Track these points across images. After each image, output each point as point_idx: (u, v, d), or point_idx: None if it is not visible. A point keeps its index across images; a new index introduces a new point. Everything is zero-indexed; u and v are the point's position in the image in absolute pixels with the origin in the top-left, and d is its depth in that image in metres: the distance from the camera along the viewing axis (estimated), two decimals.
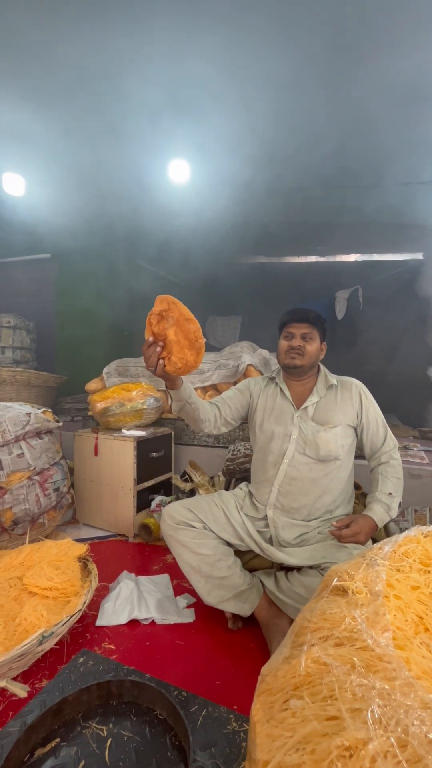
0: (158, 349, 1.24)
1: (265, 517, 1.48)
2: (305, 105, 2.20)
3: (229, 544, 1.47)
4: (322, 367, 1.56)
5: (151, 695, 0.92)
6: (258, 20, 1.67)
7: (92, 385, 2.74)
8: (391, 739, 0.24)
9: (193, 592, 1.59)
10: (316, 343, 1.47)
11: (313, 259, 5.22)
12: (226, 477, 2.32)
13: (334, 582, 0.47)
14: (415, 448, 2.64)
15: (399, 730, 0.25)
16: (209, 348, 4.95)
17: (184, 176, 2.35)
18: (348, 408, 1.46)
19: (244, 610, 1.36)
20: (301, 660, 0.35)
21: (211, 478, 2.48)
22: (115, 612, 1.44)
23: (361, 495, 1.98)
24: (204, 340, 1.24)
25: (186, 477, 2.50)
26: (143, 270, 4.61)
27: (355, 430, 1.48)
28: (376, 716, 0.27)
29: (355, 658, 0.34)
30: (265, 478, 1.52)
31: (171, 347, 1.21)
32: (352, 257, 5.17)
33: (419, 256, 4.66)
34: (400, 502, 1.43)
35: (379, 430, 1.48)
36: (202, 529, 1.43)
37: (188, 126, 2.22)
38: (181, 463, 2.62)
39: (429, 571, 0.53)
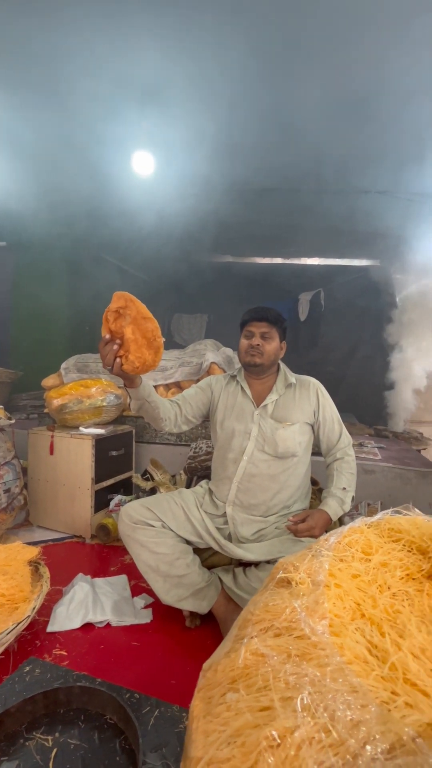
0: (115, 347, 1.20)
1: (225, 514, 1.49)
2: (269, 107, 2.23)
3: (188, 542, 1.46)
4: (282, 365, 1.59)
5: (101, 700, 0.89)
6: (220, 18, 1.67)
7: (49, 381, 2.62)
8: (317, 724, 0.25)
9: (151, 592, 1.56)
10: (276, 342, 1.50)
11: (278, 260, 5.33)
12: (187, 475, 2.31)
13: (279, 574, 0.48)
14: (369, 445, 2.76)
15: (326, 715, 0.26)
16: (174, 345, 4.90)
17: (149, 169, 2.31)
18: (306, 406, 1.49)
19: (202, 608, 1.35)
20: (241, 653, 0.35)
21: (173, 476, 2.46)
22: (68, 617, 1.38)
23: (318, 490, 2.04)
24: (163, 339, 1.22)
25: (147, 476, 2.46)
26: (107, 264, 4.48)
27: (312, 427, 1.52)
28: (305, 703, 0.27)
29: (291, 648, 0.34)
30: (225, 475, 1.52)
31: (128, 346, 1.18)
32: (315, 260, 5.33)
33: (377, 263, 4.89)
34: (353, 497, 1.49)
35: (334, 427, 1.52)
36: (160, 527, 1.41)
37: (153, 119, 2.18)
38: (143, 461, 2.57)
39: (369, 560, 0.54)
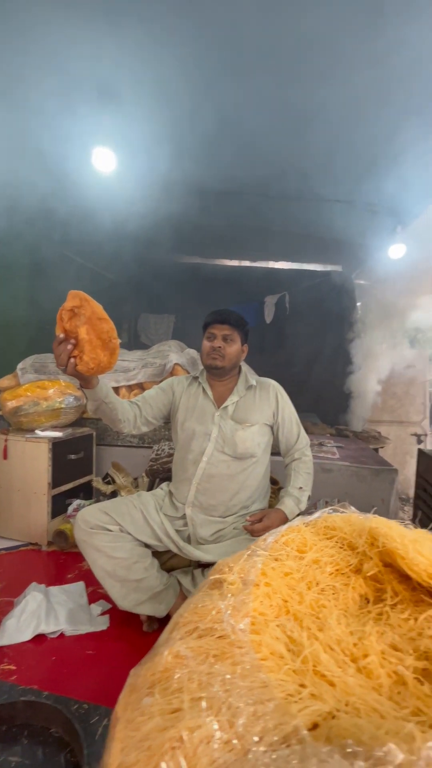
0: (69, 347, 1.17)
1: (184, 516, 1.49)
2: (230, 113, 2.26)
3: (147, 546, 1.45)
4: (243, 367, 1.61)
5: (46, 714, 0.86)
6: (180, 21, 1.67)
7: (4, 382, 2.51)
8: (219, 722, 0.26)
9: (108, 598, 1.53)
10: (237, 344, 1.51)
11: (245, 263, 5.39)
12: (149, 477, 2.28)
13: (213, 576, 0.49)
14: (329, 445, 2.86)
15: (228, 712, 0.27)
16: (140, 346, 4.83)
17: (110, 166, 2.26)
18: (265, 407, 1.52)
19: (160, 611, 1.35)
20: (163, 656, 0.36)
21: (135, 479, 2.42)
22: (18, 629, 1.33)
23: (278, 490, 2.09)
24: (119, 341, 1.20)
25: (108, 479, 2.41)
26: (72, 263, 4.35)
27: (272, 428, 1.55)
28: (211, 703, 0.28)
29: (210, 648, 0.35)
30: (185, 476, 1.52)
31: (83, 346, 1.15)
32: (281, 264, 5.44)
33: (339, 268, 5.08)
34: (309, 495, 1.54)
35: (293, 428, 1.56)
36: (118, 531, 1.39)
37: (114, 117, 2.14)
38: (104, 464, 2.52)
39: (303, 558, 0.56)
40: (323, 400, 5.00)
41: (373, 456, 2.60)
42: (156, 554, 1.50)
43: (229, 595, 0.43)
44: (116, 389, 2.65)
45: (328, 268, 5.28)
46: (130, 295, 5.23)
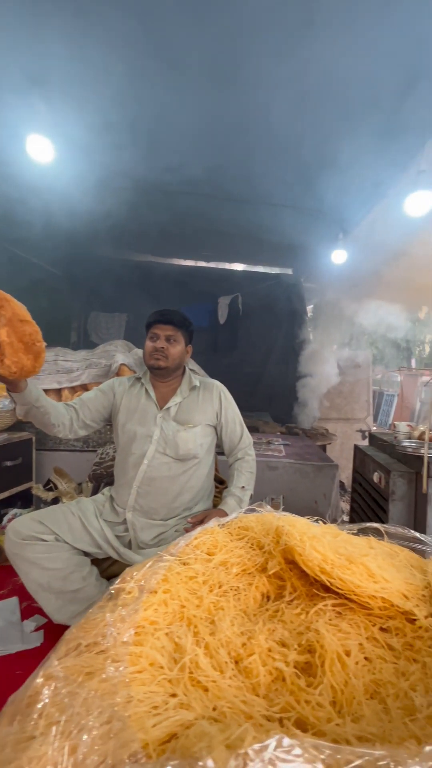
0: None
1: (125, 521, 1.45)
2: (173, 113, 2.25)
3: (86, 554, 1.39)
4: (190, 367, 1.60)
5: None
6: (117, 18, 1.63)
7: None
8: (70, 746, 0.24)
9: (43, 612, 1.45)
10: (181, 345, 1.49)
11: (198, 263, 5.39)
12: (93, 482, 2.20)
13: (113, 586, 0.47)
14: (276, 443, 2.94)
15: (79, 736, 0.25)
16: (91, 345, 4.66)
17: (47, 155, 2.15)
18: (208, 408, 1.51)
19: None
20: (36, 678, 0.34)
21: (79, 484, 2.33)
22: None
23: (225, 489, 2.11)
24: (44, 343, 1.14)
25: (50, 485, 2.30)
26: (18, 259, 4.08)
27: (215, 428, 1.55)
28: (66, 727, 0.26)
29: (85, 666, 0.33)
30: (125, 480, 1.48)
31: (3, 349, 1.08)
32: (234, 266, 5.51)
33: (289, 271, 5.24)
34: (252, 494, 1.56)
35: (236, 428, 1.57)
36: (53, 541, 1.32)
37: (50, 105, 2.05)
38: (45, 470, 2.39)
39: (211, 560, 0.56)
40: (275, 399, 5.13)
41: (317, 453, 2.71)
42: (96, 562, 1.45)
43: (120, 606, 0.42)
44: (59, 391, 2.53)
45: (280, 270, 5.43)
46: (79, 292, 5.03)
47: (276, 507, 2.50)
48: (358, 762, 0.20)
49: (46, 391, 2.53)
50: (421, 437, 1.59)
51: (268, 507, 0.71)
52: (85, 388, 2.54)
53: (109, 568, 1.49)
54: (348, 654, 0.41)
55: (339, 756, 0.20)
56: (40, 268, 4.33)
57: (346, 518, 2.71)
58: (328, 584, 0.49)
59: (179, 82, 2.06)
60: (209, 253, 5.18)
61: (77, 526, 1.39)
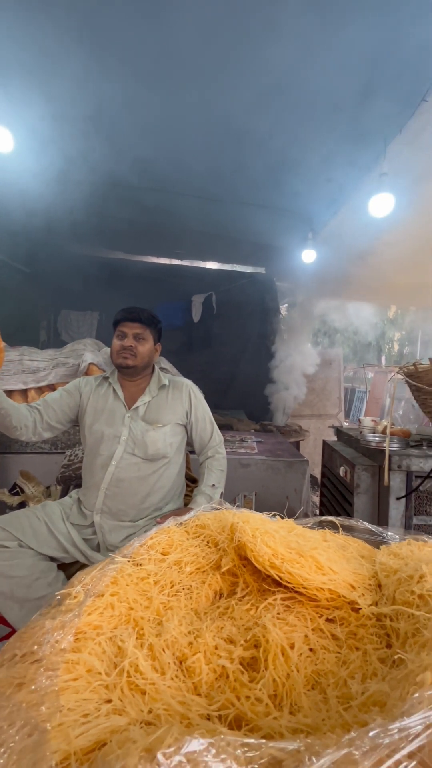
0: None
1: (93, 524, 1.42)
2: (144, 109, 2.22)
3: (52, 559, 1.35)
4: (157, 367, 1.57)
5: None
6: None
7: None
8: None
9: (7, 622, 1.40)
10: (149, 343, 1.46)
11: (172, 261, 5.35)
12: (61, 485, 2.14)
13: (60, 591, 0.46)
14: (250, 440, 2.96)
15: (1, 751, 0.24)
16: (60, 344, 4.53)
17: (7, 146, 2.07)
18: (178, 407, 1.49)
19: None
20: None
21: (48, 488, 2.26)
22: None
23: (196, 487, 2.11)
24: (3, 344, 1.11)
25: (16, 490, 2.22)
26: None
27: (186, 427, 1.54)
28: None
29: (17, 677, 0.32)
30: (93, 482, 1.45)
31: None
32: (208, 264, 5.50)
33: (262, 270, 5.28)
34: (222, 492, 1.56)
35: (206, 427, 1.56)
36: (17, 547, 1.27)
37: (11, 94, 1.97)
38: (11, 474, 2.30)
39: (165, 560, 0.56)
40: (250, 396, 5.17)
41: (289, 449, 2.75)
42: (63, 567, 1.41)
43: (64, 611, 0.41)
44: (25, 391, 2.45)
45: (253, 269, 5.47)
46: (49, 290, 4.88)
47: (249, 504, 2.52)
48: (272, 755, 0.20)
49: (11, 392, 2.44)
50: (384, 432, 1.64)
51: (227, 504, 0.71)
52: (52, 388, 2.47)
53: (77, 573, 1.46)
54: (292, 647, 0.41)
55: (254, 752, 0.20)
56: (4, 264, 4.17)
57: (317, 512, 2.76)
58: (278, 579, 0.49)
59: (141, 77, 2.03)
60: (182, 251, 5.15)
61: (42, 531, 1.34)
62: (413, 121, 1.92)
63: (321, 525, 0.71)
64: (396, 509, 1.36)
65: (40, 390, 2.44)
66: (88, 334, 4.95)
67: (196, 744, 0.19)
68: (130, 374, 1.49)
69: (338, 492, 1.76)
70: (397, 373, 1.53)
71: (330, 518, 0.71)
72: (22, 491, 2.17)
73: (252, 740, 0.21)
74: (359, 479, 1.47)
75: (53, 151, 2.47)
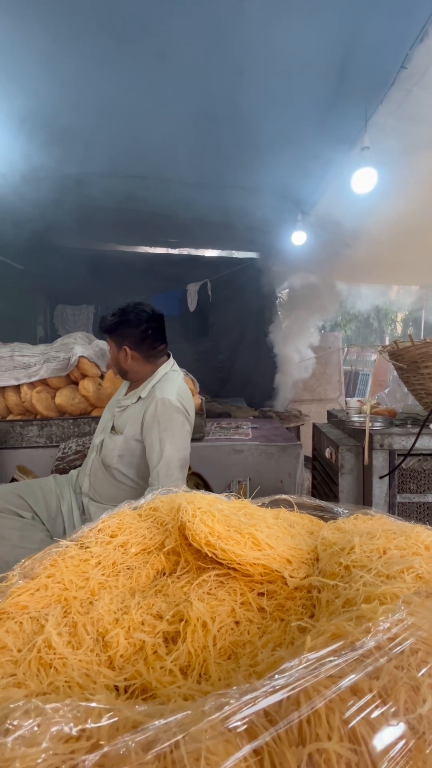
0: None
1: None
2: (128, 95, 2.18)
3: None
4: (159, 373, 1.45)
5: None
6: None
7: None
8: None
9: None
10: (113, 351, 1.47)
11: (165, 250, 5.29)
12: None
13: None
14: (245, 426, 2.97)
15: None
16: (56, 339, 4.56)
17: None
18: (137, 420, 1.37)
19: None
20: None
21: None
22: None
23: (196, 484, 2.14)
24: None
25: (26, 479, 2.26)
26: None
27: (142, 443, 1.36)
28: None
29: None
30: (85, 465, 1.55)
31: None
32: (201, 252, 5.43)
33: (257, 255, 5.20)
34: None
35: (152, 453, 1.31)
36: (30, 519, 1.32)
37: None
38: (8, 468, 2.35)
39: (110, 542, 0.57)
40: (249, 383, 5.16)
41: (283, 434, 2.75)
42: None
43: None
44: (17, 387, 2.47)
45: (247, 255, 5.39)
46: (43, 285, 4.89)
47: (243, 489, 2.53)
48: (108, 717, 0.21)
49: (4, 388, 2.46)
50: (370, 412, 1.63)
51: (185, 487, 0.72)
52: (44, 382, 2.49)
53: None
54: (213, 620, 0.42)
55: (86, 714, 0.20)
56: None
57: (312, 494, 2.78)
58: (213, 556, 0.50)
59: (123, 65, 1.99)
60: (175, 239, 5.09)
61: (53, 508, 1.40)
62: (394, 90, 1.85)
63: (276, 504, 0.72)
64: (379, 488, 1.36)
65: (33, 385, 2.46)
66: (84, 327, 4.96)
67: (28, 707, 0.20)
68: (127, 380, 1.54)
69: (326, 474, 1.76)
70: (379, 352, 1.51)
71: (285, 497, 0.71)
72: None
73: (88, 704, 0.21)
74: (343, 460, 1.47)
75: (38, 144, 2.45)
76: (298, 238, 3.27)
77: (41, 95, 2.03)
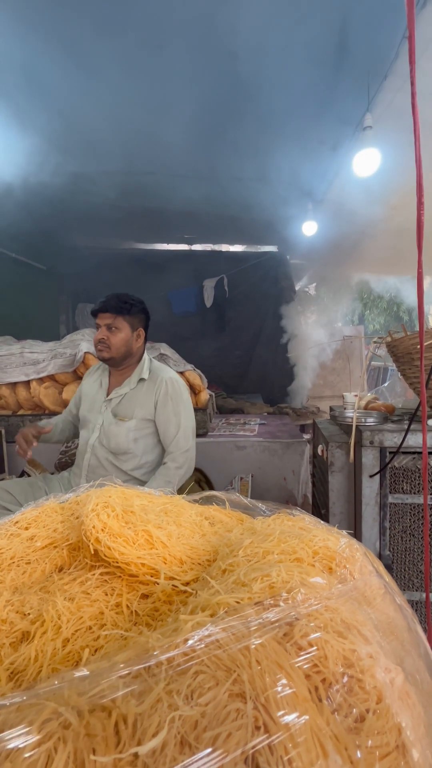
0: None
1: None
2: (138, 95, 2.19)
3: None
4: (145, 357, 1.52)
5: None
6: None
7: None
8: None
9: None
10: (124, 332, 1.42)
11: (182, 247, 5.30)
12: (59, 471, 2.24)
13: None
14: (252, 423, 2.91)
15: None
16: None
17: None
18: (148, 401, 1.43)
19: None
20: None
21: (52, 474, 2.38)
22: None
23: (198, 480, 2.12)
24: None
25: (25, 477, 2.35)
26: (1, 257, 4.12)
27: (155, 422, 1.45)
28: None
29: None
30: (78, 466, 1.54)
31: None
32: (218, 247, 5.38)
33: (274, 249, 5.08)
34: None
35: (169, 428, 1.42)
36: None
37: None
38: (19, 462, 2.44)
39: (20, 535, 0.56)
40: (267, 379, 5.07)
41: (290, 430, 2.67)
42: None
43: None
44: (27, 383, 2.57)
45: (264, 249, 5.28)
46: (65, 284, 5.05)
47: (245, 486, 2.49)
48: None
49: (15, 384, 2.56)
50: (367, 407, 1.54)
51: (118, 480, 0.70)
52: (52, 378, 2.57)
53: None
54: (70, 621, 0.40)
55: None
56: (23, 264, 4.35)
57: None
58: (102, 554, 0.47)
59: (117, 54, 1.99)
60: (190, 235, 5.07)
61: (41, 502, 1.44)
62: (399, 64, 1.72)
63: (209, 500, 0.69)
64: (369, 487, 1.28)
65: (41, 381, 2.54)
66: None
67: None
68: (112, 365, 1.50)
69: (321, 471, 1.68)
70: (375, 343, 1.42)
71: (216, 493, 0.68)
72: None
73: None
74: (333, 457, 1.40)
75: (56, 145, 2.51)
76: (310, 228, 3.15)
77: (65, 103, 2.06)
